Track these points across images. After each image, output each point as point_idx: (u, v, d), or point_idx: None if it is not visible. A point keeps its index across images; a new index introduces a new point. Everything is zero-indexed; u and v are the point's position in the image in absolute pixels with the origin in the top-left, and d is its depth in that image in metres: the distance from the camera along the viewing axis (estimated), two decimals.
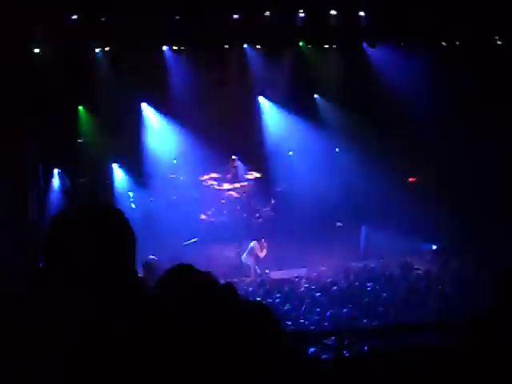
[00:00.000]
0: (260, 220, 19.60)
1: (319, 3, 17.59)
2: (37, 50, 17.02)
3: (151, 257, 10.77)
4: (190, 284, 2.45)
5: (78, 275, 2.23)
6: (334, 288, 14.79)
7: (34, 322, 2.19)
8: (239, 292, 2.89)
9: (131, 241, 2.40)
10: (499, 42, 17.94)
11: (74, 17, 16.17)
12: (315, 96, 21.84)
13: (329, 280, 15.68)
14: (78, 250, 2.25)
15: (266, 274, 17.18)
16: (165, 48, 19.18)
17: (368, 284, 15.12)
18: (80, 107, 19.16)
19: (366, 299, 13.97)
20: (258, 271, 17.26)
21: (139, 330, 2.06)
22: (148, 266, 10.26)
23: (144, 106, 20.16)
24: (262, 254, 17.65)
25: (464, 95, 18.52)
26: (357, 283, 15.54)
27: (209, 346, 1.44)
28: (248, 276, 17.27)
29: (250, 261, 17.39)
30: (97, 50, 18.39)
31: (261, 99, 21.62)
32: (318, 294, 14.41)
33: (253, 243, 17.79)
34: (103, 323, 2.08)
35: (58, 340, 2.14)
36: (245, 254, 17.67)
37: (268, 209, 19.72)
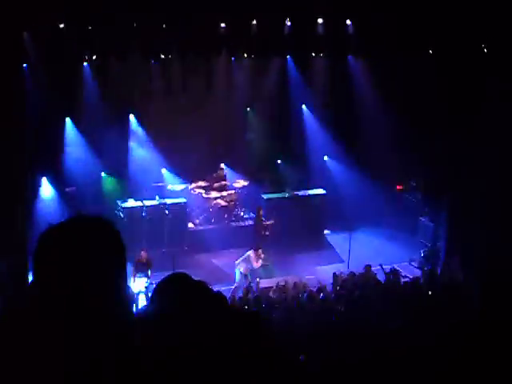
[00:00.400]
0: (267, 234, 19.45)
1: (306, 12, 17.60)
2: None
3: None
4: (186, 293, 2.45)
5: (68, 295, 2.21)
6: (321, 295, 14.85)
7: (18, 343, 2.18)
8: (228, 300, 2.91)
9: (122, 255, 2.37)
10: (485, 51, 18.03)
11: (61, 26, 16.15)
12: (303, 106, 21.96)
13: (315, 288, 15.72)
14: (67, 268, 2.22)
15: (257, 282, 17.11)
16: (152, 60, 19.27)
17: (356, 292, 15.16)
18: (67, 118, 19.14)
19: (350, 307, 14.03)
20: (249, 279, 17.20)
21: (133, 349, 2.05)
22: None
23: (131, 117, 20.17)
24: (257, 265, 17.45)
25: (449, 103, 18.60)
26: (343, 291, 15.59)
27: (209, 358, 1.43)
28: (235, 283, 17.20)
29: (242, 267, 17.29)
30: (84, 63, 18.39)
31: (248, 110, 21.71)
32: (305, 301, 14.47)
33: (250, 252, 17.62)
34: (94, 347, 2.07)
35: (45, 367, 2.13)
36: (239, 260, 17.58)
37: (271, 221, 19.55)
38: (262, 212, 19.72)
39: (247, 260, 17.42)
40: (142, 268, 16.27)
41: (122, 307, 2.30)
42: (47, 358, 2.11)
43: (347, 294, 15.21)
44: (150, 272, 16.29)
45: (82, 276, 2.22)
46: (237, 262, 17.49)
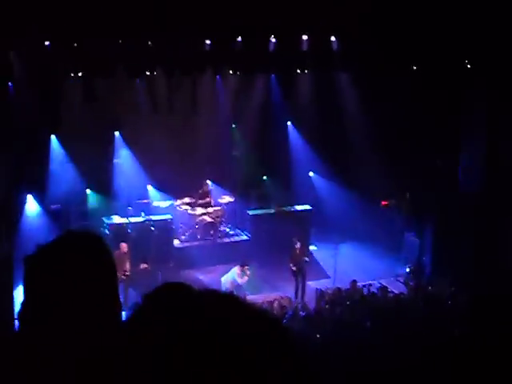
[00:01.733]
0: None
1: (290, 29, 17.68)
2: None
3: None
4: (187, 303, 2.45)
5: (61, 314, 2.21)
6: (303, 314, 14.91)
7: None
8: None
9: (114, 270, 2.38)
10: (469, 66, 18.17)
11: (47, 43, 16.15)
12: (288, 123, 22.07)
13: (299, 305, 15.77)
14: (60, 286, 2.21)
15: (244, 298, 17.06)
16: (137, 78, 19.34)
17: (338, 308, 15.24)
18: (53, 136, 19.14)
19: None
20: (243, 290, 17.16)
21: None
22: None
23: (117, 134, 20.21)
24: (243, 281, 17.41)
25: (434, 118, 18.72)
26: (327, 306, 15.65)
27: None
28: None
29: (228, 284, 17.26)
30: (70, 80, 18.40)
31: (234, 127, 21.79)
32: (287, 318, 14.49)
33: (235, 268, 17.65)
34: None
35: None
36: (225, 276, 17.59)
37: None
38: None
39: (232, 276, 17.43)
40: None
41: (117, 321, 2.31)
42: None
43: (329, 310, 15.27)
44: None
45: (76, 293, 2.23)
46: (222, 278, 17.49)
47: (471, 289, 15.72)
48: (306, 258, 18.23)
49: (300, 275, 17.77)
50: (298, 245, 18.05)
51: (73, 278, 2.25)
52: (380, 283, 17.54)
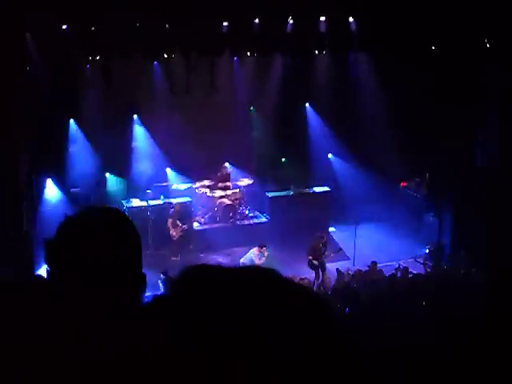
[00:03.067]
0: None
1: (307, 9, 17.58)
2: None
3: None
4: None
5: (91, 286, 2.21)
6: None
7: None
8: None
9: (139, 243, 2.38)
10: (488, 46, 18.01)
11: (64, 27, 16.18)
12: (306, 105, 21.98)
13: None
14: (92, 258, 2.21)
15: None
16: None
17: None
18: (71, 120, 19.20)
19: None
20: None
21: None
22: None
23: (135, 117, 20.25)
24: (260, 262, 17.47)
25: (456, 101, 18.59)
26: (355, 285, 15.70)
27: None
28: None
29: (246, 263, 17.34)
30: (87, 63, 18.45)
31: (252, 109, 21.74)
32: None
33: (254, 249, 17.81)
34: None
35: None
36: (243, 258, 17.67)
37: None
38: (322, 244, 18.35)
39: (251, 257, 17.50)
40: None
41: (141, 295, 2.31)
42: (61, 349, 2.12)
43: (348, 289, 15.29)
44: None
45: (101, 267, 2.23)
46: (241, 260, 17.54)
47: (489, 267, 15.65)
48: (332, 254, 18.17)
49: (320, 268, 17.66)
50: (324, 240, 17.99)
51: (98, 252, 2.25)
52: (399, 264, 17.49)
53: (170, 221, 19.13)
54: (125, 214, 2.41)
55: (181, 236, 19.09)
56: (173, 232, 19.06)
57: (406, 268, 16.95)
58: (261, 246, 17.59)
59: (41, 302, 2.24)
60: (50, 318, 2.16)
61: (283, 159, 21.97)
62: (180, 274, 1.53)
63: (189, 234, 19.39)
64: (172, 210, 19.26)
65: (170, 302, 1.43)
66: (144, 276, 2.37)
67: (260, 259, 17.46)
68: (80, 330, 2.13)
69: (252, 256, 17.54)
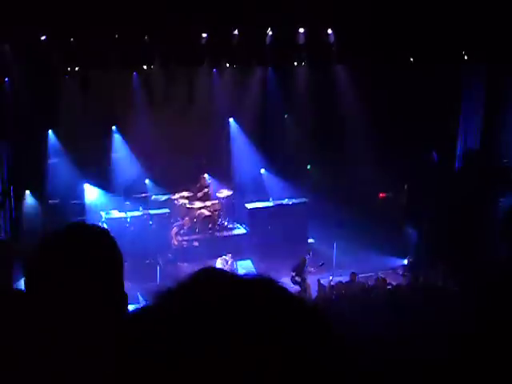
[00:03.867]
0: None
1: (286, 21, 17.63)
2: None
3: None
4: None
5: (68, 300, 2.20)
6: None
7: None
8: None
9: (121, 265, 2.37)
10: (466, 57, 18.16)
11: (43, 38, 16.12)
12: (285, 116, 22.05)
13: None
14: (69, 274, 2.21)
15: None
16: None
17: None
18: (49, 131, 19.14)
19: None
20: None
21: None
22: None
23: (114, 128, 20.22)
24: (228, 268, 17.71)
25: (434, 112, 18.72)
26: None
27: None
28: None
29: None
30: (66, 75, 18.41)
31: (231, 120, 21.76)
32: None
33: (218, 260, 18.05)
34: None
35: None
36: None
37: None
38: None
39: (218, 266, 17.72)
40: None
41: (122, 311, 2.30)
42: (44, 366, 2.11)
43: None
44: None
45: (84, 281, 2.21)
46: None
47: (470, 281, 15.72)
48: (313, 269, 18.18)
49: (303, 283, 17.69)
50: (310, 256, 18.06)
51: (78, 269, 2.23)
52: (378, 275, 17.53)
53: (174, 230, 19.53)
54: (106, 232, 2.40)
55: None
56: (174, 241, 19.41)
57: (383, 278, 16.99)
58: (226, 255, 18.10)
59: (18, 314, 2.23)
60: (24, 332, 2.15)
61: (262, 170, 21.99)
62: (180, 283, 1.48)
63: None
64: (180, 221, 19.83)
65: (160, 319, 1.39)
66: (125, 294, 2.37)
67: (225, 266, 17.70)
68: (54, 344, 2.12)
69: (219, 265, 17.72)
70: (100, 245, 2.33)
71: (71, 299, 2.19)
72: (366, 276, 17.55)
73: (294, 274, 17.58)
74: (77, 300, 2.20)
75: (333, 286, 16.77)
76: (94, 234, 2.36)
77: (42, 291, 2.24)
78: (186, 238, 19.98)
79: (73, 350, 2.12)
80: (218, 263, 17.96)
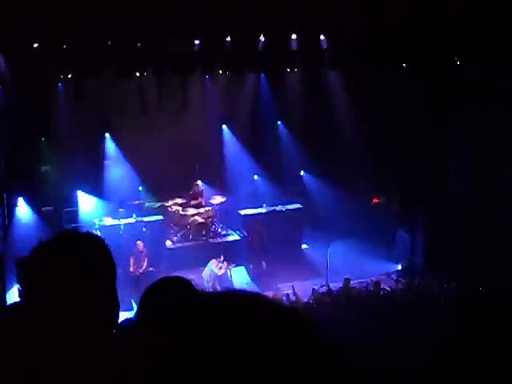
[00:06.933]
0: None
1: (278, 27, 17.65)
2: None
3: None
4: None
5: (63, 309, 2.19)
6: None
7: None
8: None
9: (114, 272, 2.36)
10: (458, 63, 18.19)
11: (36, 45, 16.10)
12: (278, 123, 22.09)
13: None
14: (63, 281, 2.20)
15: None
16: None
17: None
18: (42, 139, 19.15)
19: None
20: (218, 287, 17.41)
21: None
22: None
23: (107, 135, 20.22)
24: (220, 272, 18.01)
25: (427, 117, 18.76)
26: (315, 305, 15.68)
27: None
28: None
29: (207, 277, 17.66)
30: (59, 82, 18.46)
31: (224, 127, 21.78)
32: None
33: (212, 260, 18.18)
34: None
35: None
36: (204, 271, 17.99)
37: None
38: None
39: (210, 268, 17.80)
40: None
41: (114, 318, 2.30)
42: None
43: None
44: None
45: (78, 288, 2.21)
46: (203, 273, 17.79)
47: (462, 285, 15.76)
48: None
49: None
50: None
51: (71, 277, 2.23)
52: (372, 280, 17.53)
53: (131, 260, 18.85)
54: (100, 239, 2.39)
55: None
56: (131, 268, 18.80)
57: (376, 283, 16.97)
58: (218, 257, 18.20)
59: (13, 325, 2.23)
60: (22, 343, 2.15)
61: (256, 176, 22.02)
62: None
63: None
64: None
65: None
66: (117, 302, 2.36)
67: (220, 269, 18.01)
68: (52, 354, 2.12)
69: (211, 267, 17.86)
70: (93, 252, 2.32)
71: (64, 306, 2.19)
72: (359, 281, 17.54)
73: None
74: (70, 307, 2.19)
75: (323, 292, 16.74)
76: (87, 242, 2.35)
77: (35, 299, 2.24)
78: (179, 245, 19.95)
79: (66, 358, 2.12)
80: (212, 265, 18.03)
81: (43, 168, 19.33)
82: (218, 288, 17.28)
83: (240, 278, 18.94)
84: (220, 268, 18.00)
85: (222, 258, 18.18)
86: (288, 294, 16.36)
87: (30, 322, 2.19)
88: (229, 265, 18.35)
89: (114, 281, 2.36)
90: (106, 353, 1.98)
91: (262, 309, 1.40)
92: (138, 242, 18.48)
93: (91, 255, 2.31)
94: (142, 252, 18.44)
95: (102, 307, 2.27)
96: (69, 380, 2.10)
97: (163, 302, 3.00)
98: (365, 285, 17.01)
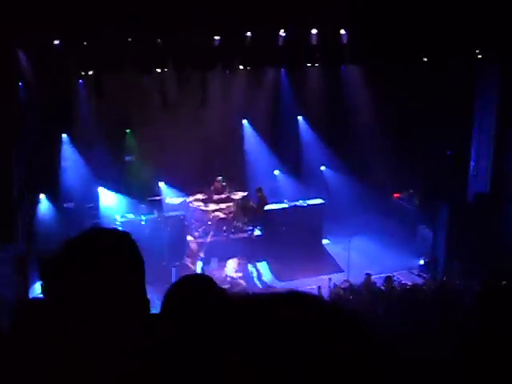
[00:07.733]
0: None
1: (299, 22, 17.61)
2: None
3: None
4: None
5: (89, 305, 2.18)
6: None
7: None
8: None
9: (142, 268, 2.36)
10: (480, 56, 18.08)
11: (56, 42, 16.15)
12: (298, 117, 22.05)
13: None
14: (91, 277, 2.19)
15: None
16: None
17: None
18: (64, 135, 19.23)
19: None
20: (244, 283, 17.52)
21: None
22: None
23: (128, 131, 20.28)
24: (236, 274, 18.23)
25: (448, 112, 18.66)
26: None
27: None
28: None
29: (230, 276, 18.02)
30: (80, 79, 18.55)
31: (244, 122, 21.77)
32: None
33: (229, 262, 18.48)
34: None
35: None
36: (225, 270, 18.25)
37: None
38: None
39: (229, 269, 18.04)
40: None
41: (142, 316, 2.29)
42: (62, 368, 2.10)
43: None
44: None
45: (103, 291, 2.20)
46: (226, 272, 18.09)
47: (485, 281, 15.65)
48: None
49: None
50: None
51: (100, 275, 2.22)
52: (394, 275, 17.47)
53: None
54: (128, 235, 2.37)
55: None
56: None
57: (388, 277, 16.88)
58: (234, 257, 18.50)
59: (38, 322, 2.22)
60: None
61: (276, 172, 22.00)
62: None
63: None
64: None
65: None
66: (147, 301, 2.35)
67: (236, 272, 18.21)
68: (75, 352, 2.12)
69: (230, 267, 18.02)
70: (122, 249, 2.31)
71: (93, 305, 2.18)
72: (380, 277, 17.48)
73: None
74: (99, 305, 2.18)
75: (344, 288, 16.69)
76: (115, 238, 2.34)
77: (61, 297, 2.22)
78: (201, 240, 19.97)
79: (96, 355, 2.12)
80: (230, 265, 18.09)
81: (64, 164, 19.39)
82: (242, 282, 17.49)
83: (261, 273, 18.96)
84: (236, 271, 18.08)
85: (239, 258, 18.43)
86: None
87: (57, 318, 2.19)
88: (250, 261, 18.38)
89: (142, 277, 2.34)
90: (133, 350, 1.98)
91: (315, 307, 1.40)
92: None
93: (120, 252, 2.29)
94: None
95: (131, 305, 2.25)
96: (94, 379, 2.10)
97: (189, 300, 2.99)
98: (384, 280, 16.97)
